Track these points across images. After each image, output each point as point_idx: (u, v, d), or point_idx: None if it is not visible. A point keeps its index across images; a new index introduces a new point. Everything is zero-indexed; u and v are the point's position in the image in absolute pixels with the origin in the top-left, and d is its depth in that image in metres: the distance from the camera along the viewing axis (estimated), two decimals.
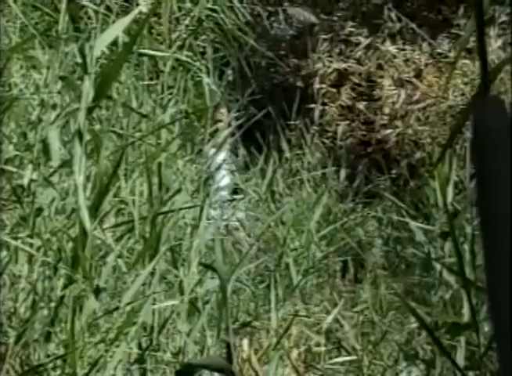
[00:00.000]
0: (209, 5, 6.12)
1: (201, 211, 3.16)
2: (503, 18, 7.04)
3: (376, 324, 3.57)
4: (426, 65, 6.98)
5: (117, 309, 2.57)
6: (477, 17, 0.82)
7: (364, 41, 7.07)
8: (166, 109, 3.63)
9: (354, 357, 3.24)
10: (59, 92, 2.90)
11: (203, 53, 6.11)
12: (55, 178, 2.79)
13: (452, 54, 6.92)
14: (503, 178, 0.77)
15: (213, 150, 6.32)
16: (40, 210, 2.72)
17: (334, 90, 7.07)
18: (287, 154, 5.84)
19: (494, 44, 6.85)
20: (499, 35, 6.97)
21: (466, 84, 6.81)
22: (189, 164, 4.30)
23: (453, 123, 6.68)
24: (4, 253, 2.63)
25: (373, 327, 3.61)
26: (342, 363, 3.30)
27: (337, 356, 3.38)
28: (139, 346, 2.65)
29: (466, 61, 6.72)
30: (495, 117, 0.78)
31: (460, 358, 2.55)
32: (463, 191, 4.52)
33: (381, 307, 3.89)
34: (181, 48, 5.54)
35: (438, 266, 3.26)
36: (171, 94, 4.65)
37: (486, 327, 2.47)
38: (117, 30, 2.66)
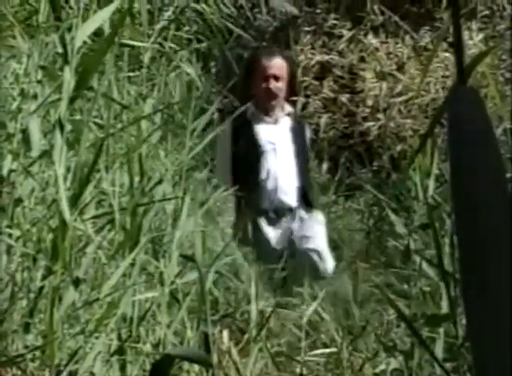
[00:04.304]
0: None
1: (182, 202, 3.16)
2: (485, 12, 7.06)
3: (356, 317, 3.58)
4: (408, 58, 6.99)
5: (96, 300, 2.56)
6: (453, 9, 0.82)
7: (347, 34, 7.08)
8: (147, 100, 3.62)
9: (334, 349, 3.25)
10: (39, 82, 2.88)
11: (186, 44, 6.10)
12: (35, 169, 2.78)
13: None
14: (478, 169, 0.77)
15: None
16: (19, 200, 2.71)
17: (317, 82, 7.07)
18: None
19: (475, 37, 6.87)
20: (481, 29, 6.99)
21: (447, 77, 6.83)
22: (171, 155, 4.29)
23: (434, 115, 6.69)
24: None
25: (353, 320, 3.62)
26: (322, 355, 3.31)
27: (316, 348, 3.39)
28: (119, 337, 2.65)
29: (448, 54, 6.74)
30: (470, 107, 0.78)
31: (439, 349, 2.56)
32: (444, 184, 4.54)
33: (361, 299, 3.90)
34: (164, 38, 5.52)
35: (417, 258, 3.28)
36: (153, 85, 4.64)
37: (464, 319, 2.48)
38: (100, 20, 2.65)
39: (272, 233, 3.94)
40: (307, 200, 4.06)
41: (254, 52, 4.65)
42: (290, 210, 3.99)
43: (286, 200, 4.00)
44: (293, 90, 4.34)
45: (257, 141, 4.03)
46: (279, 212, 3.96)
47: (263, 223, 3.92)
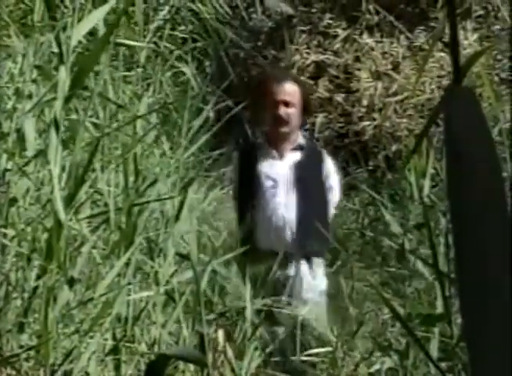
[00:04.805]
0: None
1: (179, 202, 3.15)
2: (480, 12, 7.07)
3: (352, 316, 3.58)
4: (403, 58, 7.00)
5: (91, 299, 2.56)
6: (448, 9, 0.82)
7: (342, 34, 7.08)
8: (142, 99, 3.62)
9: (329, 349, 3.25)
10: (34, 81, 2.88)
11: (182, 44, 6.10)
12: (30, 168, 2.77)
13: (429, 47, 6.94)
14: (474, 168, 0.77)
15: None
16: (14, 200, 2.71)
17: (312, 82, 7.08)
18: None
19: (470, 37, 6.89)
20: (476, 29, 7.00)
21: (442, 76, 6.84)
22: (166, 155, 4.29)
23: (429, 115, 6.70)
24: None
25: (349, 319, 3.63)
26: (316, 355, 3.31)
27: (311, 348, 3.39)
28: (114, 337, 2.64)
29: (443, 54, 6.75)
30: (466, 107, 0.78)
31: (434, 349, 2.56)
32: (439, 183, 4.55)
33: (357, 298, 3.90)
34: (160, 38, 5.52)
35: (412, 258, 3.28)
36: (148, 85, 4.64)
37: (459, 319, 2.49)
38: (95, 19, 2.65)
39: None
40: (308, 246, 3.57)
41: (263, 76, 4.11)
42: (288, 253, 3.54)
43: (284, 242, 3.56)
44: (306, 116, 3.85)
45: (257, 177, 3.63)
46: (275, 254, 3.49)
47: (258, 263, 3.49)
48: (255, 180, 3.63)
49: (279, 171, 3.64)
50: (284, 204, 3.58)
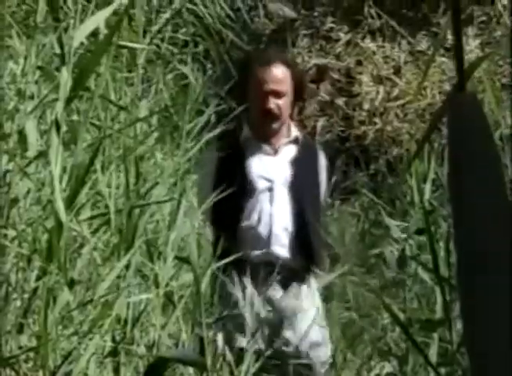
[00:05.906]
0: None
1: (178, 204, 3.15)
2: (482, 18, 7.08)
3: (352, 321, 3.58)
4: (405, 62, 7.00)
5: (91, 301, 2.56)
6: (453, 15, 0.82)
7: (344, 38, 7.09)
8: (144, 101, 3.62)
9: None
10: (36, 82, 2.88)
11: (184, 46, 6.10)
12: (31, 169, 2.77)
13: (431, 52, 6.96)
14: (476, 172, 0.77)
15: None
16: (15, 201, 2.71)
17: (314, 86, 7.08)
18: None
19: (472, 43, 6.89)
20: (478, 35, 7.01)
21: (444, 81, 6.84)
22: (167, 157, 4.29)
23: (431, 120, 6.70)
24: None
25: (349, 324, 3.62)
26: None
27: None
28: (113, 339, 2.64)
29: (445, 59, 6.75)
30: (471, 113, 0.78)
31: (433, 354, 2.56)
32: (440, 188, 4.55)
33: (357, 303, 3.90)
34: (161, 40, 5.53)
35: (413, 263, 3.28)
36: (149, 86, 4.64)
37: (459, 324, 2.49)
38: (97, 21, 2.65)
39: (252, 296, 3.01)
40: (307, 258, 3.06)
41: (247, 57, 3.62)
42: (287, 267, 3.03)
43: (282, 254, 3.04)
44: (298, 102, 3.25)
45: (248, 177, 3.05)
46: (271, 268, 3.00)
47: (244, 281, 3.03)
48: (245, 181, 3.05)
49: (274, 169, 3.10)
50: (284, 210, 3.08)
